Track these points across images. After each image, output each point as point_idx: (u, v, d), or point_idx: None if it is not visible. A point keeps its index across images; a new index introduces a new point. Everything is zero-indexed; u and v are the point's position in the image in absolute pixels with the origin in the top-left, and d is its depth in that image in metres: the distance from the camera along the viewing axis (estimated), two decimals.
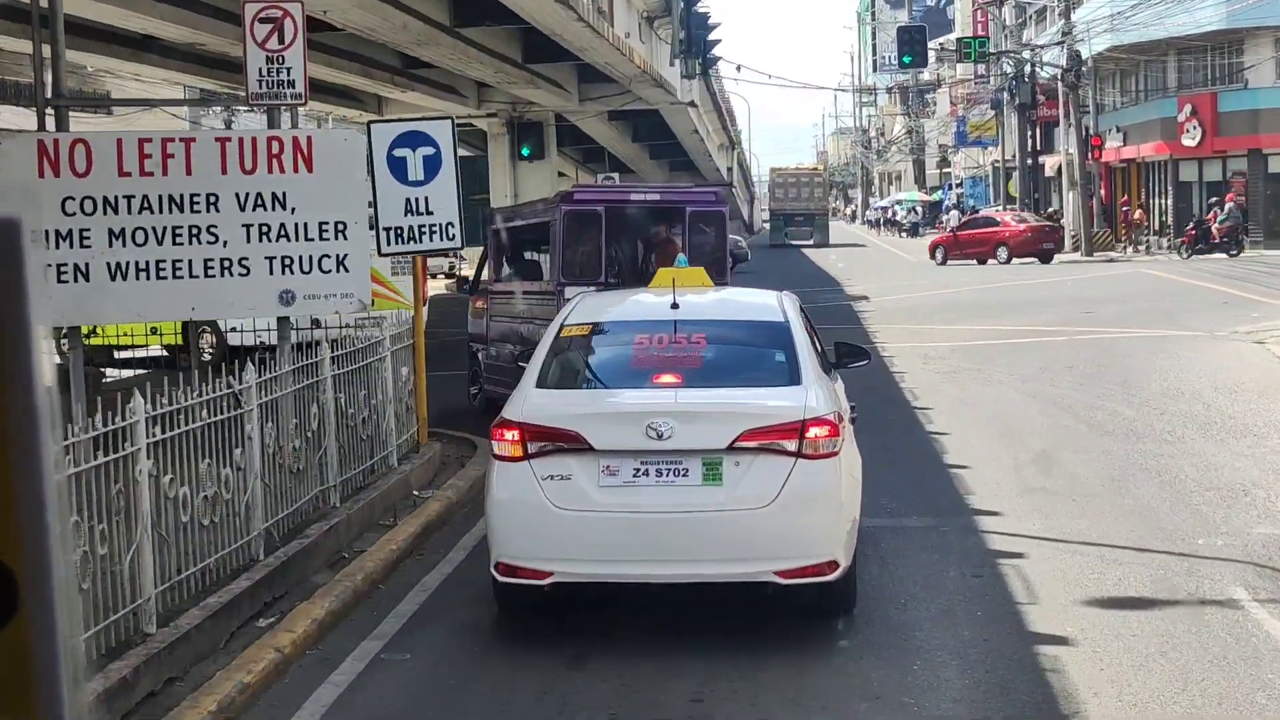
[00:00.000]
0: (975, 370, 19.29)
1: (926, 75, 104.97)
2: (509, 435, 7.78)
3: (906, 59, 49.74)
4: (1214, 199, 46.51)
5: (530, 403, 8.02)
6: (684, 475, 7.58)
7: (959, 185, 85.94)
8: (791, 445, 7.59)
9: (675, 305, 8.48)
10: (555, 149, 44.19)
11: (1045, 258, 47.90)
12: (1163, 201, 52.89)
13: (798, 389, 8.00)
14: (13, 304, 1.23)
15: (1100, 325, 24.43)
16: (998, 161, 73.77)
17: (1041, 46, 53.42)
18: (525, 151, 42.39)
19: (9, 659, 1.25)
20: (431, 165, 12.51)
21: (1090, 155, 51.11)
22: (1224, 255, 43.07)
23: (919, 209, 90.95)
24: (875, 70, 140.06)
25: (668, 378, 8.13)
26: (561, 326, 8.82)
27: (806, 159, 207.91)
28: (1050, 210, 58.32)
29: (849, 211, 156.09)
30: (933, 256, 50.81)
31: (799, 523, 7.63)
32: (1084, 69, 50.26)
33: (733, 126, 77.36)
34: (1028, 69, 57.29)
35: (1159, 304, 28.31)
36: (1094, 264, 46.89)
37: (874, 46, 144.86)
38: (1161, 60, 51.64)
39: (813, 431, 7.62)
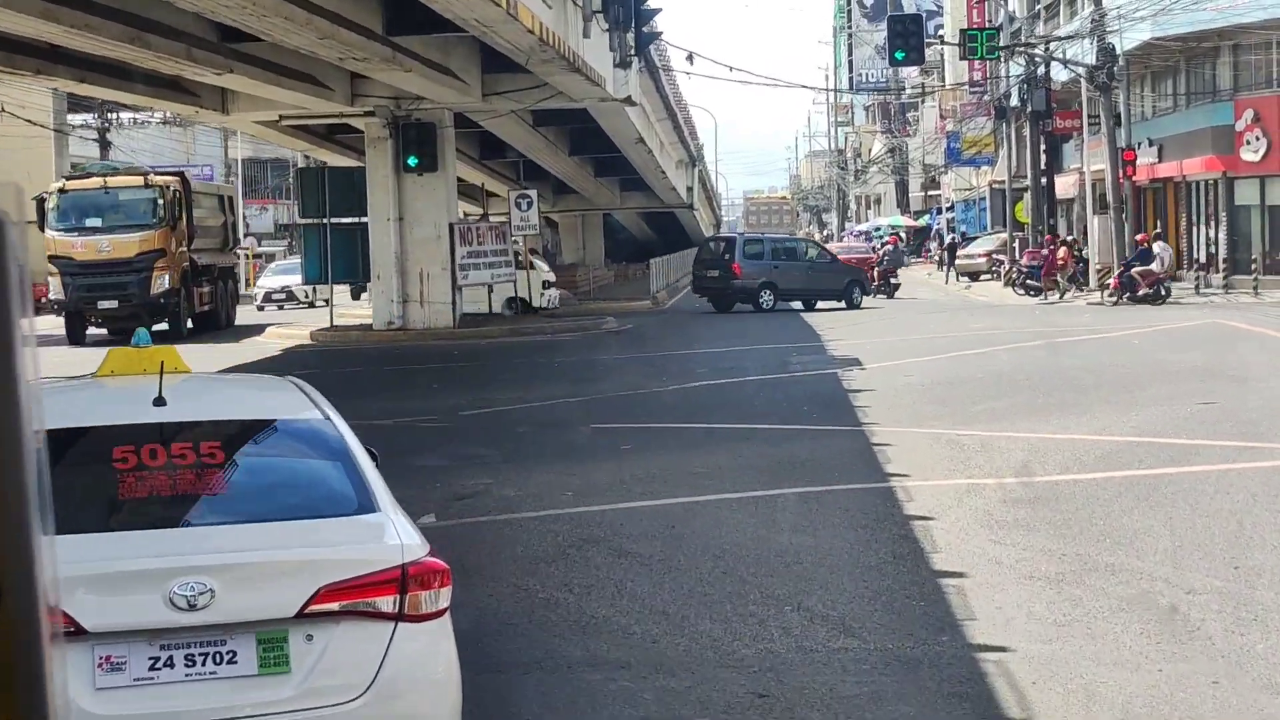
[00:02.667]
0: (1103, 565, 9.59)
1: (909, 90, 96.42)
2: None
3: (899, 54, 40.15)
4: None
5: None
6: (231, 662, 5.14)
7: (949, 209, 76.56)
8: (389, 603, 5.27)
9: (161, 401, 5.85)
10: (453, 158, 34.37)
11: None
12: (1210, 230, 43.41)
13: (377, 518, 5.50)
14: None
15: (1251, 435, 14.82)
16: (997, 181, 64.37)
17: (1066, 39, 43.79)
18: (412, 161, 32.68)
19: None
20: None
21: (1123, 172, 41.66)
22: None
23: (904, 235, 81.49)
24: (852, 89, 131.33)
25: (183, 510, 5.63)
26: None
27: (779, 181, 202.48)
28: (1069, 238, 48.91)
29: (822, 237, 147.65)
30: None
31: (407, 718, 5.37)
32: (1116, 67, 40.78)
33: (693, 140, 67.72)
34: (1041, 70, 47.93)
35: None
36: (1135, 307, 37.45)
37: (850, 64, 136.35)
38: (1212, 56, 42.22)
39: (418, 580, 5.31)
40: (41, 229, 34.08)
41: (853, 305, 41.49)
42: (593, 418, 18.27)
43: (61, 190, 35.10)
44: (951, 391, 19.51)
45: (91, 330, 35.51)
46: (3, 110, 52.02)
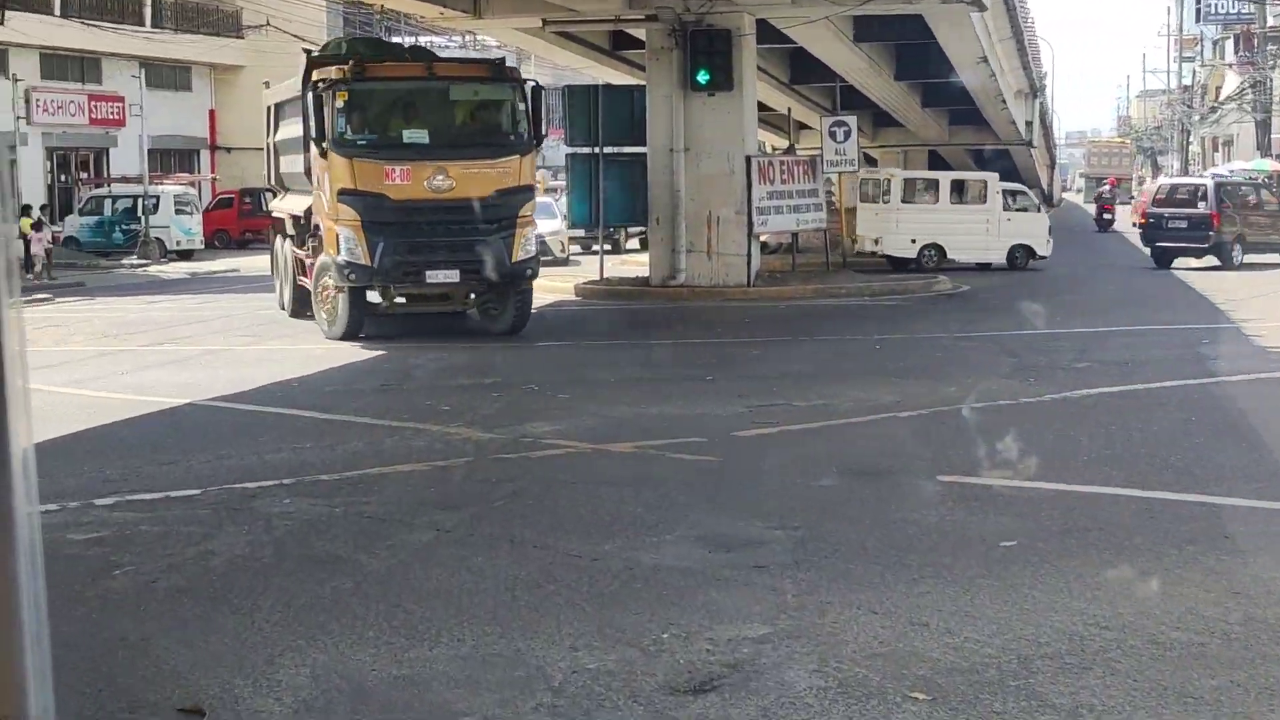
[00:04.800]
0: None
1: (1272, 19, 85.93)
2: None
3: None
4: None
5: None
6: None
7: None
8: None
9: None
10: (753, 75, 27.87)
11: None
12: None
13: None
14: None
15: None
16: None
17: None
18: (703, 77, 26.32)
19: None
20: None
21: None
22: None
23: (1273, 180, 71.60)
24: (1199, 20, 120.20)
25: None
26: None
27: (1102, 123, 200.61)
28: None
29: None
30: None
31: None
32: None
33: (1036, 68, 59.54)
34: None
35: None
36: None
37: None
38: None
39: None
40: (316, 144, 19.82)
41: None
42: (937, 456, 11.70)
43: (354, 77, 19.85)
44: None
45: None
46: (267, 24, 47.69)
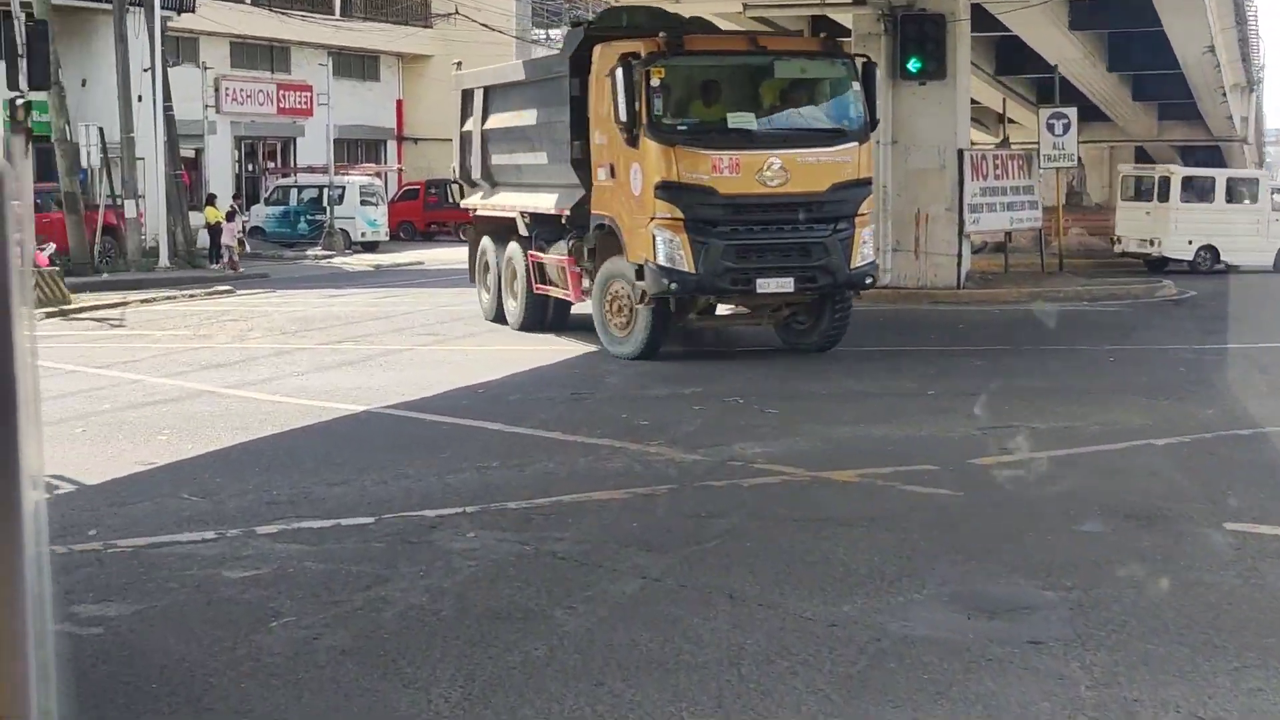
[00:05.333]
0: None
1: None
2: None
3: None
4: None
5: None
6: None
7: None
8: None
9: None
10: (967, 63, 26.17)
11: None
12: None
13: None
14: None
15: None
16: None
17: None
18: (914, 65, 24.74)
19: None
20: None
21: None
22: None
23: None
24: None
25: None
26: None
27: None
28: None
29: None
30: None
31: None
32: None
33: (1255, 60, 56.58)
34: None
35: None
36: None
37: None
38: None
39: None
40: (625, 129, 16.85)
41: None
42: (1214, 496, 10.09)
43: (672, 51, 16.93)
44: None
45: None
46: (456, 12, 46.97)
